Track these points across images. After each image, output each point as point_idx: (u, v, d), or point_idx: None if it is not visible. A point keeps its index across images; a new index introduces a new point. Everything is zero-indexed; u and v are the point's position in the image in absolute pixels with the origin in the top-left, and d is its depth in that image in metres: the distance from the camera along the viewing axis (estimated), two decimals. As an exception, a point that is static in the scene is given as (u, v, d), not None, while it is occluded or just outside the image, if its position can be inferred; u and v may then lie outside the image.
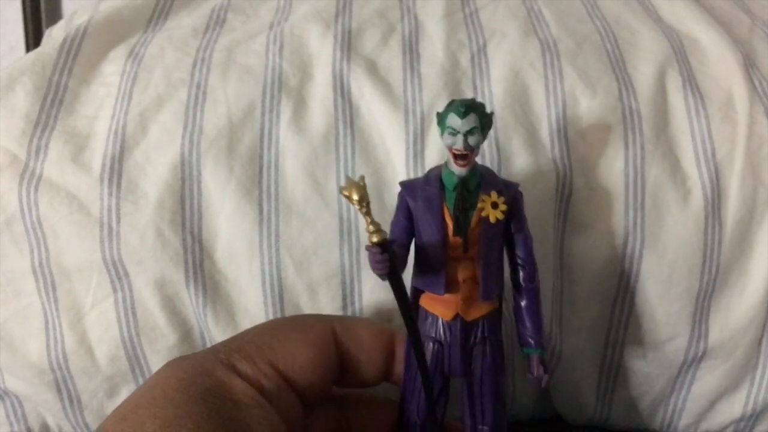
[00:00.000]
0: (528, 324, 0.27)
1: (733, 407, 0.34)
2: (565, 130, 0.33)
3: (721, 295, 0.32)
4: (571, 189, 0.32)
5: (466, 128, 0.24)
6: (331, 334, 0.27)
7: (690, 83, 0.34)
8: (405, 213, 0.27)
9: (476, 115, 0.25)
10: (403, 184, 0.27)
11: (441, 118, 0.25)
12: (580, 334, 0.34)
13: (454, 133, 0.25)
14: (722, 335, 0.32)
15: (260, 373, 0.25)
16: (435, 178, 0.26)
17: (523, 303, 0.27)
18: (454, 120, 0.25)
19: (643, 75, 0.34)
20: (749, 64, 0.34)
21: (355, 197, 0.23)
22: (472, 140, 0.25)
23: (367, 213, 0.23)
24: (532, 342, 0.27)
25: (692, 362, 0.33)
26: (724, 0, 0.40)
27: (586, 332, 0.34)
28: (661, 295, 0.32)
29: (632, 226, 0.32)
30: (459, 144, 0.25)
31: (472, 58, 0.36)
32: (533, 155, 0.33)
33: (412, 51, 0.36)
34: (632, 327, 0.33)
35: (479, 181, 0.26)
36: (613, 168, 0.32)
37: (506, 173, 0.32)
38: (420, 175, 0.32)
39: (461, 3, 0.40)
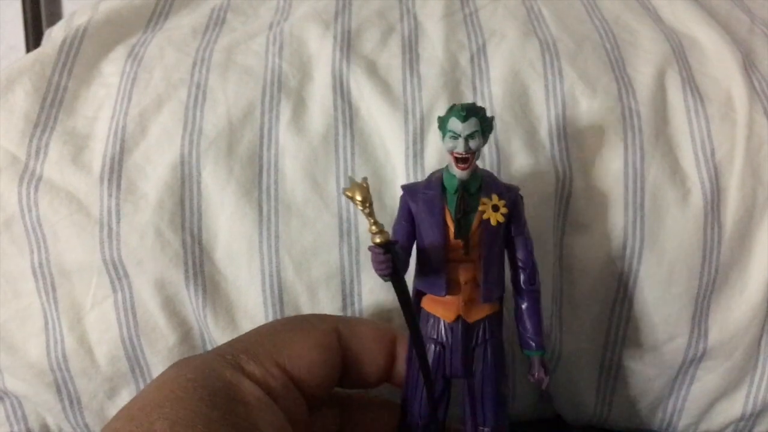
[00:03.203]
0: (528, 326, 0.27)
1: (733, 407, 0.34)
2: (564, 130, 0.33)
3: (721, 295, 0.32)
4: (571, 189, 0.32)
5: (467, 132, 0.25)
6: (335, 335, 0.27)
7: (689, 83, 0.34)
8: (407, 216, 0.27)
9: (477, 119, 0.25)
10: (404, 187, 0.27)
11: (442, 122, 0.26)
12: (579, 334, 0.34)
13: (455, 136, 0.25)
14: (722, 335, 0.32)
15: (267, 373, 0.25)
16: (436, 181, 0.27)
17: (523, 305, 0.28)
18: (455, 123, 0.25)
19: (643, 75, 0.34)
20: (748, 64, 0.34)
21: (359, 198, 0.23)
22: (473, 144, 0.25)
23: (370, 214, 0.23)
24: (533, 344, 0.27)
25: (692, 362, 0.33)
26: (723, 0, 0.40)
27: (586, 332, 0.34)
28: (661, 295, 0.32)
29: (632, 226, 0.32)
30: (460, 147, 0.25)
31: (472, 58, 0.36)
32: (533, 155, 0.33)
33: (411, 51, 0.36)
34: (632, 327, 0.33)
35: (480, 184, 0.26)
36: (613, 168, 0.32)
37: (506, 174, 0.32)
38: (419, 175, 0.32)
39: (461, 3, 0.40)
